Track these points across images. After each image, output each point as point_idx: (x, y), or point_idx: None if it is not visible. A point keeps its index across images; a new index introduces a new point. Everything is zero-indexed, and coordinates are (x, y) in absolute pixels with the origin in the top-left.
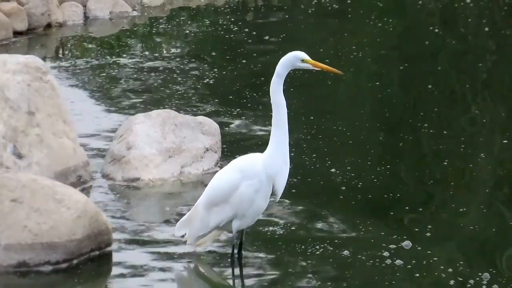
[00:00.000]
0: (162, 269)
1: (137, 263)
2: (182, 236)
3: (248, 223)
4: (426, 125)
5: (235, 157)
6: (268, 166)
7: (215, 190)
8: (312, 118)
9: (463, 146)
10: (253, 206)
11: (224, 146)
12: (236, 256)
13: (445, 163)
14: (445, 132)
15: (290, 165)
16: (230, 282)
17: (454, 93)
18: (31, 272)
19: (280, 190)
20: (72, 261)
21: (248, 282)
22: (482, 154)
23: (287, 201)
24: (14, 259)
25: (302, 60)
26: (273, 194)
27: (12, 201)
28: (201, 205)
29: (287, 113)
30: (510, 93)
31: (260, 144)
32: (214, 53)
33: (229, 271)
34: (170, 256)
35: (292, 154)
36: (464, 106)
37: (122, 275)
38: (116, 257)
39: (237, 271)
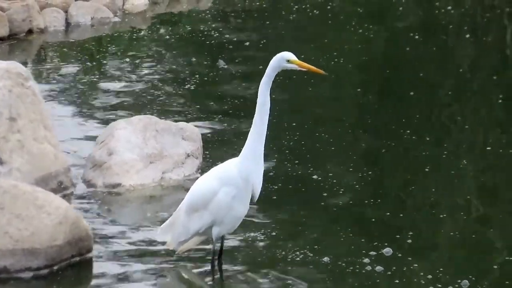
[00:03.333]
0: (143, 274)
1: (118, 269)
2: (164, 243)
3: (228, 229)
4: (408, 131)
5: (217, 163)
6: (241, 169)
7: (195, 196)
8: (294, 124)
9: (445, 152)
10: (231, 213)
11: (206, 152)
12: (216, 262)
13: (427, 170)
14: (427, 138)
15: (264, 166)
16: (213, 285)
17: (436, 100)
18: (12, 279)
19: (256, 191)
20: (53, 267)
21: (226, 283)
22: (464, 161)
23: (268, 207)
24: None
25: (288, 61)
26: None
27: None
28: (182, 211)
29: (269, 116)
30: (492, 100)
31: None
32: (194, 59)
33: (209, 277)
34: (151, 262)
35: (274, 160)
36: (446, 113)
37: (103, 281)
38: (97, 263)
39: (218, 277)
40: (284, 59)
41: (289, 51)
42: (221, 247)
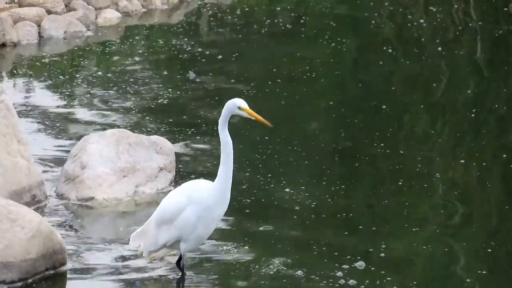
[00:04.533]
0: (116, 287)
1: (92, 282)
2: (137, 249)
3: (193, 246)
4: (382, 144)
5: (191, 177)
6: (212, 196)
7: (163, 210)
8: (266, 138)
9: (419, 165)
10: (196, 231)
11: (180, 166)
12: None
13: (400, 183)
14: (401, 151)
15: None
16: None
17: (408, 113)
18: None
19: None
20: (27, 280)
21: None
22: (437, 174)
23: (240, 220)
24: None
25: (239, 108)
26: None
27: None
28: (152, 222)
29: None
30: (465, 113)
31: (215, 164)
32: (166, 72)
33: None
34: (124, 275)
35: (247, 174)
36: (419, 126)
37: None
38: (70, 276)
39: None
40: (236, 105)
41: (261, 64)
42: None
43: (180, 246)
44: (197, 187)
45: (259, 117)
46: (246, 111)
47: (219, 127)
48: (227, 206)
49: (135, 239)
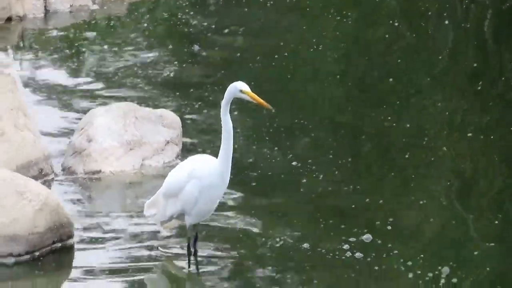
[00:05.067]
0: (123, 259)
1: (99, 255)
2: (151, 217)
3: (197, 220)
4: (388, 118)
5: (198, 150)
6: (212, 175)
7: (167, 184)
8: (274, 111)
9: (425, 139)
10: (197, 206)
11: (186, 139)
12: (192, 250)
13: (407, 156)
14: (407, 125)
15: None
16: (186, 273)
17: (414, 87)
18: None
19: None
20: (35, 253)
21: (204, 274)
22: (444, 148)
23: (247, 193)
24: None
25: (241, 91)
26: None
27: None
28: (161, 194)
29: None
30: (471, 86)
31: (220, 137)
32: (171, 46)
33: (186, 262)
34: (131, 247)
35: (254, 147)
36: (425, 100)
37: (84, 266)
38: (78, 249)
39: (194, 262)
40: (237, 89)
41: (267, 38)
42: (196, 235)
43: (185, 219)
44: (200, 163)
45: (261, 101)
46: (248, 94)
47: (221, 110)
48: (226, 186)
49: (149, 207)
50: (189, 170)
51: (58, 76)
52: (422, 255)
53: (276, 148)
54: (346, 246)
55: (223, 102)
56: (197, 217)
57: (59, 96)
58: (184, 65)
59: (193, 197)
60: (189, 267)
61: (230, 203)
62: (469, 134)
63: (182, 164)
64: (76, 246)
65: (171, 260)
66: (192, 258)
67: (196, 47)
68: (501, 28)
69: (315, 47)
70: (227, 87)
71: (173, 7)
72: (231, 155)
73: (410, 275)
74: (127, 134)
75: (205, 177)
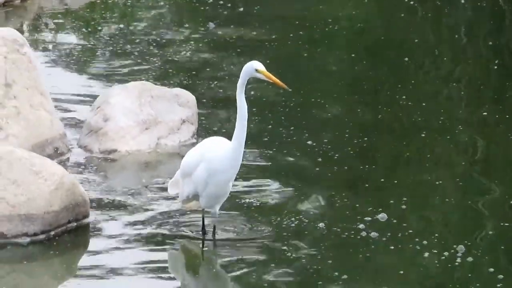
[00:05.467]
0: (139, 239)
1: (114, 234)
2: (175, 196)
3: (211, 203)
4: (404, 97)
5: (213, 129)
6: (225, 158)
7: (183, 163)
8: (290, 90)
9: (441, 118)
10: (208, 189)
11: (202, 118)
12: (211, 231)
13: (423, 135)
14: (423, 104)
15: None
16: (202, 251)
17: (431, 65)
18: (9, 244)
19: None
20: (50, 232)
21: (220, 254)
22: (460, 126)
23: (261, 172)
24: None
25: (256, 70)
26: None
27: None
28: (179, 173)
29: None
30: (488, 66)
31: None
32: (187, 25)
33: (202, 244)
34: (147, 227)
35: (270, 126)
36: (441, 79)
37: (99, 246)
38: (93, 228)
39: (212, 242)
40: (253, 68)
41: (283, 18)
42: (214, 225)
43: (200, 200)
44: (213, 146)
45: (277, 80)
46: (264, 74)
47: (237, 90)
48: (236, 171)
49: (172, 186)
50: (201, 152)
51: (74, 54)
52: (437, 234)
53: (292, 127)
54: (361, 226)
55: (239, 82)
56: (209, 199)
57: (74, 74)
58: (200, 44)
59: (202, 180)
60: (202, 247)
61: (245, 182)
62: (484, 113)
63: (199, 144)
64: (91, 225)
65: (187, 239)
66: (208, 237)
67: (211, 25)
68: None
69: (330, 26)
70: (243, 65)
71: None
72: (244, 139)
73: (426, 254)
74: (143, 113)
75: (215, 160)
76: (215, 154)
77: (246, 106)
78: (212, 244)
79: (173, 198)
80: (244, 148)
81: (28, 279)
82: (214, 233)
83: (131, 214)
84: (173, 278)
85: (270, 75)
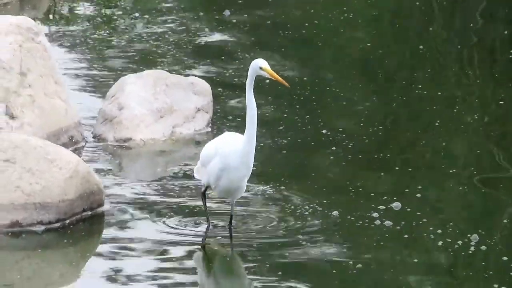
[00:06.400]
0: (154, 228)
1: (129, 222)
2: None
3: (222, 196)
4: (419, 86)
5: (228, 118)
6: (236, 155)
7: (202, 154)
8: (305, 79)
9: (456, 107)
10: (220, 183)
11: (217, 106)
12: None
13: (437, 124)
14: (438, 93)
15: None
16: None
17: (446, 54)
18: (24, 232)
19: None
20: (65, 221)
21: (236, 243)
22: (475, 115)
23: (276, 160)
24: (7, 219)
25: (261, 68)
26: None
27: (5, 161)
28: (200, 161)
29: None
30: (502, 53)
31: None
32: (202, 13)
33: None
34: (162, 215)
35: (285, 115)
36: (457, 67)
37: (114, 235)
38: (108, 217)
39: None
40: (258, 66)
41: (298, 7)
42: (231, 216)
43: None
44: (228, 141)
45: (279, 78)
46: (267, 71)
47: (246, 88)
48: (248, 170)
49: (197, 173)
50: (217, 146)
51: (89, 43)
52: (451, 223)
53: (307, 116)
54: (375, 214)
55: (247, 81)
56: (220, 192)
57: (89, 62)
58: (215, 32)
59: (214, 174)
60: (208, 228)
61: (259, 171)
62: (501, 102)
63: (218, 137)
64: (106, 214)
65: (202, 228)
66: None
67: (227, 13)
68: None
69: (345, 15)
70: (257, 53)
71: None
72: (255, 136)
73: (440, 243)
74: (158, 101)
75: (227, 156)
76: (228, 149)
77: (255, 104)
78: (228, 231)
79: (187, 187)
80: (258, 137)
81: (42, 267)
82: (230, 222)
83: (146, 202)
84: (189, 266)
85: (273, 73)
